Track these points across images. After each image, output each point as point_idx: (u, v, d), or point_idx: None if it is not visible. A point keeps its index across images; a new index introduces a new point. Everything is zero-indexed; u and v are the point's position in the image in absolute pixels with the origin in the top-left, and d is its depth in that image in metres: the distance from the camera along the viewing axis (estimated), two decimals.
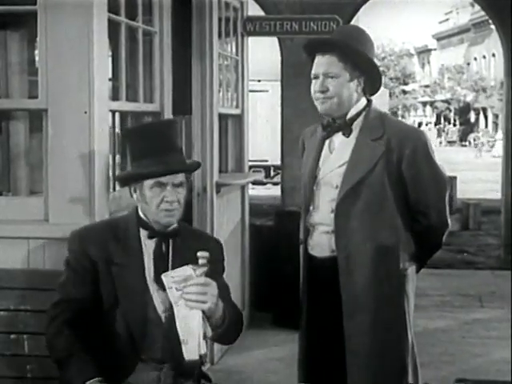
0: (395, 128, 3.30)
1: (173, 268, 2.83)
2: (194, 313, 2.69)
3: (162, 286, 2.81)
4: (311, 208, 3.37)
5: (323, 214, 3.31)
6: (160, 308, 2.89)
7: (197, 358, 2.70)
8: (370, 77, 3.33)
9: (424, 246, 3.36)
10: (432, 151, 3.31)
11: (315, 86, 3.31)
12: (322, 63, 3.30)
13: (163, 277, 2.72)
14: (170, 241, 2.94)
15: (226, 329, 2.82)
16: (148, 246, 2.93)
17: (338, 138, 3.35)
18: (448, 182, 3.40)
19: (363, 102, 3.35)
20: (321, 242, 3.34)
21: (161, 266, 2.88)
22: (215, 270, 2.97)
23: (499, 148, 38.56)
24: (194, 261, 2.80)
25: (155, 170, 2.85)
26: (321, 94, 3.29)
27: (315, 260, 3.37)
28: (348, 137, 3.31)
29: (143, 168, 2.88)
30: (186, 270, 2.70)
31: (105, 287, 2.87)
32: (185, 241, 2.95)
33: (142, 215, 2.95)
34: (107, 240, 2.91)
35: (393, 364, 3.32)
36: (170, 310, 2.82)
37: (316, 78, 3.31)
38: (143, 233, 2.93)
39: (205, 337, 2.73)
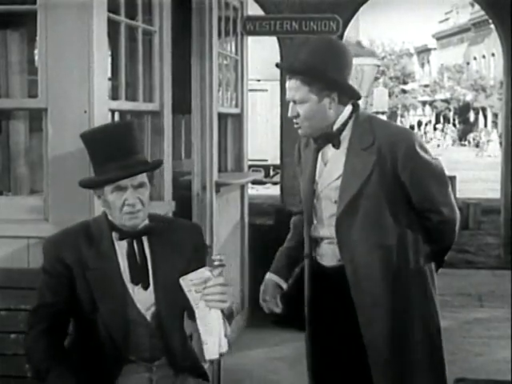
0: (385, 133, 3.20)
1: (154, 267, 2.87)
2: (213, 313, 2.71)
3: (143, 286, 2.85)
4: (315, 222, 3.35)
5: (326, 228, 3.29)
6: (143, 307, 2.88)
7: (217, 356, 2.72)
8: (341, 91, 3.21)
9: (439, 242, 3.31)
10: (424, 149, 3.23)
11: (288, 111, 3.29)
12: (289, 88, 3.24)
13: (181, 280, 2.71)
14: (145, 239, 2.92)
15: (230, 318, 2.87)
16: (121, 247, 2.91)
17: (330, 149, 3.27)
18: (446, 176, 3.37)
19: (348, 109, 3.25)
20: (328, 252, 3.31)
21: (136, 266, 2.88)
22: (199, 253, 3.01)
23: (494, 148, 38.69)
24: (176, 254, 2.86)
25: (112, 176, 2.82)
26: (294, 119, 3.25)
27: (323, 268, 3.34)
28: (338, 148, 3.24)
29: (102, 173, 2.86)
30: (204, 272, 2.72)
31: (82, 292, 2.85)
32: (162, 235, 2.94)
33: (110, 218, 2.92)
34: (80, 245, 2.89)
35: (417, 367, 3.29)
36: (154, 307, 2.85)
37: (288, 102, 3.28)
38: (115, 235, 2.91)
39: (226, 335, 2.75)
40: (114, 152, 2.84)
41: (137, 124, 3.13)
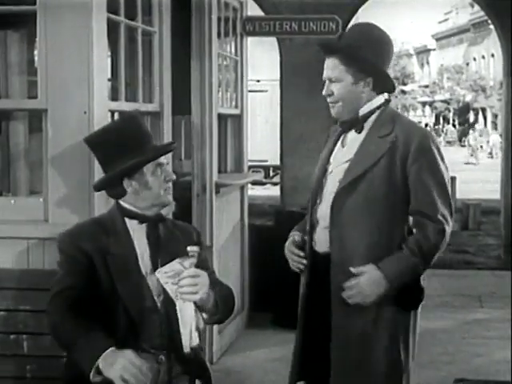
0: (404, 125, 3.27)
1: (166, 252, 2.91)
2: (187, 305, 2.74)
3: (154, 270, 2.87)
4: (318, 201, 3.38)
5: (325, 208, 3.32)
6: (154, 292, 2.92)
7: (188, 350, 2.74)
8: (377, 78, 3.28)
9: (425, 246, 3.24)
10: (440, 151, 3.24)
11: (323, 90, 3.34)
12: (327, 66, 3.30)
13: (157, 274, 2.76)
14: (160, 225, 3.03)
15: (219, 313, 2.92)
16: (136, 232, 2.97)
17: (352, 134, 3.34)
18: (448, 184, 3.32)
19: (379, 100, 3.31)
20: (321, 238, 3.34)
21: (156, 250, 2.96)
22: (204, 258, 3.06)
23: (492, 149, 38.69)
24: (178, 249, 2.87)
25: (153, 154, 2.96)
26: (328, 97, 3.31)
27: (317, 255, 3.37)
28: (359, 133, 3.31)
29: (137, 157, 2.92)
30: (174, 264, 2.75)
31: (102, 276, 2.88)
32: (168, 229, 3.05)
33: (127, 206, 2.99)
34: (98, 234, 2.94)
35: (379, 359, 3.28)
36: (163, 294, 2.87)
37: (324, 81, 3.33)
38: (129, 222, 2.98)
39: (197, 329, 2.76)
40: (142, 137, 3.00)
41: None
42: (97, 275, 2.87)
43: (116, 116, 4.24)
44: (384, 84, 3.33)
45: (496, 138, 38.08)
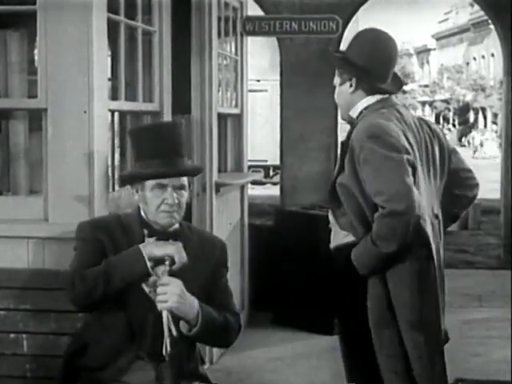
0: (359, 125, 3.30)
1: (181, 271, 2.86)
2: (164, 312, 2.77)
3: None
4: None
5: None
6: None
7: (166, 356, 2.76)
8: (360, 78, 3.35)
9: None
10: (375, 140, 3.17)
11: None
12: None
13: (143, 283, 2.82)
14: (171, 241, 2.93)
15: (201, 330, 2.83)
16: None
17: None
18: (400, 165, 3.16)
19: (368, 100, 3.35)
20: (331, 237, 3.46)
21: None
22: (217, 273, 3.01)
23: (488, 148, 38.68)
24: (198, 261, 2.88)
25: (156, 171, 2.86)
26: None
27: (330, 255, 3.49)
28: None
29: (146, 168, 2.89)
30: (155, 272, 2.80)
31: None
32: (188, 242, 2.95)
33: (143, 214, 2.97)
34: (114, 229, 2.94)
35: None
36: None
37: None
38: (145, 232, 2.94)
39: (171, 335, 2.76)
40: (160, 148, 2.89)
41: (185, 127, 3.14)
42: None
43: (116, 116, 4.25)
44: (371, 84, 3.34)
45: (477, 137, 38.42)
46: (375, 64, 3.35)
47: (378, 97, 3.36)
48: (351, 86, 3.35)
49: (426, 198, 3.26)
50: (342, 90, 3.38)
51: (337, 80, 3.41)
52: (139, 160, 2.95)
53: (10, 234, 3.52)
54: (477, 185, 3.63)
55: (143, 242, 2.89)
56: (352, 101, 3.37)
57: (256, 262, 6.49)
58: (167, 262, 2.79)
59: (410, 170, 3.15)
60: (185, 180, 2.92)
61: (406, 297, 3.20)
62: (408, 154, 3.18)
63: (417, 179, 3.21)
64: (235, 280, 5.91)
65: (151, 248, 2.81)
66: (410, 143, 3.24)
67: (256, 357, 5.64)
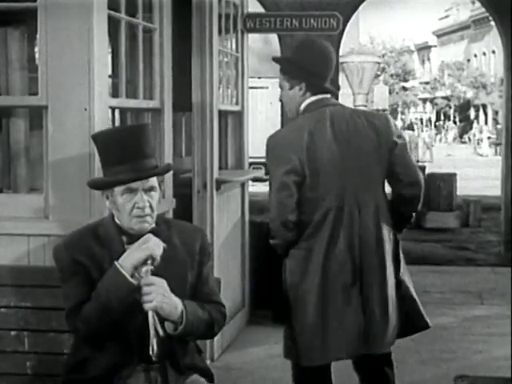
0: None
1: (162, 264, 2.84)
2: (149, 313, 2.75)
3: None
4: None
5: None
6: None
7: (153, 357, 2.74)
8: (309, 82, 3.62)
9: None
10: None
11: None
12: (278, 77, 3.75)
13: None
14: (143, 238, 2.87)
15: (186, 329, 2.82)
16: (130, 244, 2.89)
17: None
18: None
19: (309, 100, 3.63)
20: None
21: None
22: (200, 265, 2.99)
23: (485, 147, 38.66)
24: (180, 259, 2.89)
25: (122, 178, 2.82)
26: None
27: None
28: None
29: (112, 175, 2.86)
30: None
31: None
32: (168, 241, 2.91)
33: (117, 221, 2.93)
34: (92, 246, 2.89)
35: None
36: None
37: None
38: (124, 238, 2.91)
39: (157, 335, 2.75)
40: (126, 154, 2.85)
41: (151, 127, 3.12)
42: (94, 287, 2.84)
43: (117, 113, 4.24)
44: (317, 86, 3.64)
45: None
46: (323, 68, 3.65)
47: (318, 96, 3.64)
48: (301, 89, 3.63)
49: (335, 188, 3.50)
50: (292, 93, 3.65)
51: (285, 84, 3.66)
52: (106, 166, 2.91)
53: (11, 232, 3.53)
54: (413, 183, 3.58)
55: (123, 249, 2.86)
56: (301, 102, 3.65)
57: (256, 259, 6.49)
58: (149, 262, 2.76)
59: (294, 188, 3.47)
60: (154, 181, 2.89)
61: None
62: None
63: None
64: (236, 277, 5.91)
65: (129, 258, 2.78)
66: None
67: (257, 354, 5.64)
